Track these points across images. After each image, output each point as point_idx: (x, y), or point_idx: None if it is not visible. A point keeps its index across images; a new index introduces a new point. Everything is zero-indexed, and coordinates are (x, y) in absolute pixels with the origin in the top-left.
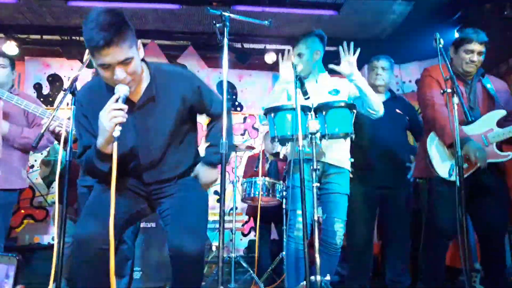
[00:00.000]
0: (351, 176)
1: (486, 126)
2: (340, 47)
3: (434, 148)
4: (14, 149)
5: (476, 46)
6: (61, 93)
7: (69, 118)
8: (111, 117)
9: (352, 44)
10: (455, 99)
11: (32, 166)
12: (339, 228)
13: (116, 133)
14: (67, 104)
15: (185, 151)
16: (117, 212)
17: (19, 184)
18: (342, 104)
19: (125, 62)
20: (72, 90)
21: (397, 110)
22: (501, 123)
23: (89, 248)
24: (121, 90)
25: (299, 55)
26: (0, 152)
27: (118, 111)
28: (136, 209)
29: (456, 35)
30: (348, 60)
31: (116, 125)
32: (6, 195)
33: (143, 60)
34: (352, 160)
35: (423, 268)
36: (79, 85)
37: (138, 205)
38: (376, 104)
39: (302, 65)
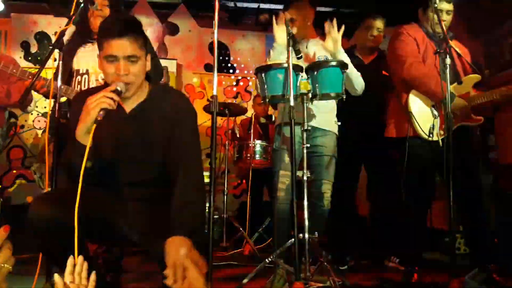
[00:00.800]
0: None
1: (464, 89)
2: (325, 24)
3: (417, 107)
4: None
5: (444, 5)
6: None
7: (56, 74)
8: (99, 101)
9: (335, 20)
10: (447, 60)
11: (23, 126)
12: (326, 189)
13: (99, 116)
14: (54, 60)
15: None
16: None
17: None
18: (333, 63)
19: (131, 60)
20: (60, 46)
21: (384, 72)
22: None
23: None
24: (119, 84)
25: (291, 20)
26: None
27: (108, 98)
28: None
29: None
30: (333, 37)
31: (101, 110)
32: None
33: (148, 77)
34: (339, 123)
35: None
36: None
37: None
38: (358, 85)
39: (299, 30)
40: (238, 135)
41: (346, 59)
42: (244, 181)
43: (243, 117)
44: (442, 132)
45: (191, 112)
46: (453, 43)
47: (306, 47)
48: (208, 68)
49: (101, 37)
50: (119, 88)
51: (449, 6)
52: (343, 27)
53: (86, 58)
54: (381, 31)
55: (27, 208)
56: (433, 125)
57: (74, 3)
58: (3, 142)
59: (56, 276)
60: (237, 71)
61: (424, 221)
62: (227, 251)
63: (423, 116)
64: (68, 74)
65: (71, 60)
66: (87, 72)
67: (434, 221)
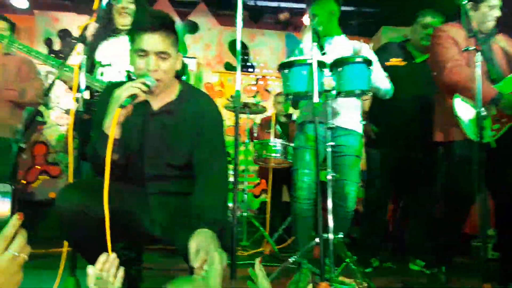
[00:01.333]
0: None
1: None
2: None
3: (464, 110)
4: (7, 102)
5: (496, 0)
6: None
7: (80, 67)
8: (128, 88)
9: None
10: (479, 57)
11: (45, 123)
12: (350, 190)
13: (126, 101)
14: (78, 53)
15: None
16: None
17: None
18: (359, 59)
19: (162, 56)
20: (83, 39)
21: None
22: None
23: None
24: (148, 79)
25: (314, 15)
26: None
27: (136, 88)
28: None
29: None
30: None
31: (130, 95)
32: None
33: (178, 77)
34: (365, 122)
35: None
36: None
37: None
38: (383, 91)
39: (317, 25)
40: (256, 134)
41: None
42: (263, 180)
43: (263, 115)
44: (494, 133)
45: (218, 117)
46: (500, 38)
47: (330, 44)
48: (228, 66)
49: (133, 30)
50: (147, 81)
51: (499, 1)
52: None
53: (109, 50)
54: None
55: (50, 204)
56: (483, 126)
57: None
58: (24, 139)
59: (90, 268)
60: (257, 70)
61: (461, 226)
62: (247, 250)
63: (472, 118)
64: (91, 65)
65: (93, 53)
66: (109, 64)
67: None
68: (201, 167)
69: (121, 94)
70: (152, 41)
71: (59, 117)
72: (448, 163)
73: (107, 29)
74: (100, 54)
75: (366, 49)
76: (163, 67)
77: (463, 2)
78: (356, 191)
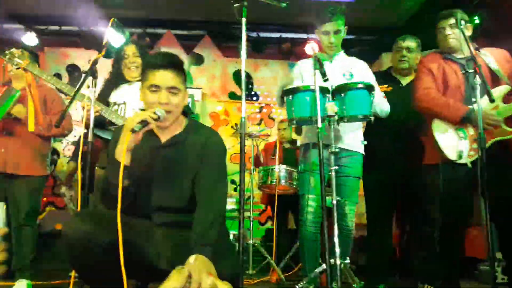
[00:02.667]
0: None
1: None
2: None
3: (441, 132)
4: (34, 135)
5: (452, 20)
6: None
7: (89, 99)
8: (139, 115)
9: None
10: (478, 79)
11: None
12: (350, 210)
13: (137, 126)
14: (88, 86)
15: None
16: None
17: (41, 171)
18: (361, 85)
19: (173, 91)
20: (92, 73)
21: None
22: (506, 98)
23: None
24: (158, 110)
25: (336, 32)
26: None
27: (146, 115)
28: None
29: (477, 21)
30: None
31: (140, 121)
32: (31, 180)
33: (185, 114)
34: (366, 143)
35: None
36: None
37: None
38: (385, 112)
39: (338, 42)
40: (262, 161)
41: (373, 80)
42: (268, 207)
43: (267, 142)
44: (473, 153)
45: (220, 148)
46: (483, 52)
47: (331, 62)
48: (232, 96)
49: (146, 69)
50: (158, 112)
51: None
52: None
53: (122, 93)
54: (413, 51)
55: (56, 235)
56: (462, 147)
57: (105, 37)
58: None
59: None
60: (261, 98)
61: (457, 249)
62: (253, 279)
63: (449, 140)
64: (106, 105)
65: (107, 97)
66: (124, 103)
67: (466, 249)
68: (200, 191)
69: (133, 120)
70: (164, 77)
71: (66, 148)
72: (437, 185)
73: (119, 78)
74: (114, 96)
75: (364, 67)
76: (173, 101)
77: (461, 27)
78: (354, 211)
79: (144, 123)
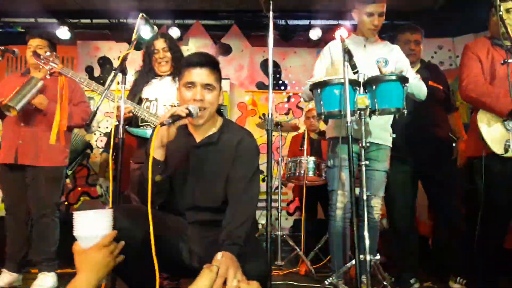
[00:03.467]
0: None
1: None
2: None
3: (486, 124)
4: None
5: (510, 4)
6: (112, 74)
7: (120, 97)
8: (171, 110)
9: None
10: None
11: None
12: (376, 203)
13: (166, 120)
14: (117, 83)
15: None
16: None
17: (60, 161)
18: (394, 77)
19: (208, 88)
20: (122, 69)
21: (431, 82)
22: None
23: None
24: (192, 106)
25: (381, 14)
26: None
27: (179, 110)
28: None
29: None
30: None
31: (171, 115)
32: (51, 171)
33: (221, 114)
34: (394, 135)
35: (479, 251)
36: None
37: None
38: (423, 93)
39: (380, 26)
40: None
41: (408, 66)
42: (297, 198)
43: (295, 133)
44: None
45: (253, 150)
46: None
47: (364, 47)
48: (260, 86)
49: (183, 67)
50: (190, 108)
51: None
52: None
53: (154, 88)
54: (419, 42)
55: None
56: (510, 140)
57: (136, 28)
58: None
59: None
60: (289, 88)
61: (498, 242)
62: (282, 270)
63: (495, 132)
64: (138, 101)
65: (140, 93)
66: (155, 99)
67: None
68: (232, 192)
69: (164, 115)
70: (200, 74)
71: (99, 140)
72: (480, 178)
73: (149, 73)
74: (146, 92)
75: (399, 53)
76: (208, 98)
77: (500, 13)
78: (380, 204)
79: (174, 117)
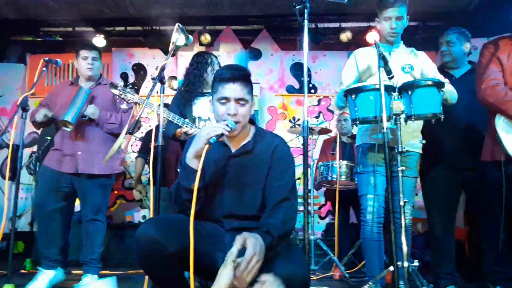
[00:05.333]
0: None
1: None
2: None
3: (502, 128)
4: (106, 134)
5: None
6: (148, 81)
7: (159, 105)
8: (215, 128)
9: None
10: None
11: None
12: (407, 210)
13: (213, 139)
14: (156, 92)
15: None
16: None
17: (116, 168)
18: (430, 82)
19: (241, 102)
20: (161, 79)
21: None
22: None
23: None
24: (230, 121)
25: (398, 18)
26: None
27: (221, 128)
28: None
29: None
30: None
31: (215, 136)
32: (104, 178)
33: (252, 122)
34: (424, 142)
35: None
36: (165, 74)
37: None
38: (454, 97)
39: (399, 30)
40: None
41: (434, 69)
42: (329, 202)
43: (326, 136)
44: None
45: (289, 157)
46: None
47: (390, 54)
48: (290, 89)
49: (216, 82)
50: (229, 124)
51: None
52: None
53: (205, 107)
54: (452, 43)
55: (127, 226)
56: None
57: (172, 38)
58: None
59: None
60: (319, 91)
61: None
62: (315, 274)
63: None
64: (192, 120)
65: (190, 108)
66: (208, 119)
67: None
68: (270, 201)
69: (209, 132)
70: (233, 89)
71: (134, 144)
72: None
73: (198, 86)
74: (197, 110)
75: (424, 57)
76: (241, 112)
77: None
78: (410, 209)
79: (218, 136)
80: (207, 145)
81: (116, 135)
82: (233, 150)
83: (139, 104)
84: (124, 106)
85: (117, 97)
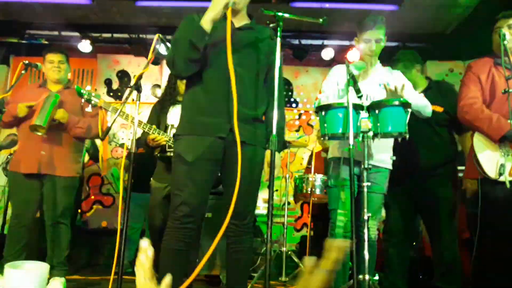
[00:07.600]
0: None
1: None
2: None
3: (481, 146)
4: (72, 138)
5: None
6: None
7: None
8: None
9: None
10: None
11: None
12: (372, 225)
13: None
14: (132, 99)
15: (263, 95)
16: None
17: (79, 171)
18: (396, 102)
19: None
20: (137, 87)
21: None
22: None
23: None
24: None
25: (378, 40)
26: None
27: None
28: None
29: None
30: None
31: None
32: (67, 180)
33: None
34: (394, 158)
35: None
36: (143, 83)
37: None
38: (428, 111)
39: (378, 51)
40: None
41: (412, 92)
42: (305, 214)
43: (306, 150)
44: None
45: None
46: None
47: (369, 72)
48: None
49: None
50: None
51: None
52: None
53: (177, 115)
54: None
55: (102, 232)
56: (504, 164)
57: (151, 48)
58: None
59: None
60: (300, 105)
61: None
62: (286, 285)
63: (490, 156)
64: (164, 128)
65: (165, 116)
66: None
67: None
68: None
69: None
70: None
71: (114, 150)
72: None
73: (173, 96)
74: (172, 118)
75: (400, 76)
76: None
77: (504, 43)
78: (376, 225)
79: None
80: (229, 8)
81: (82, 140)
82: (236, 26)
83: (105, 109)
84: (89, 109)
85: (83, 100)
